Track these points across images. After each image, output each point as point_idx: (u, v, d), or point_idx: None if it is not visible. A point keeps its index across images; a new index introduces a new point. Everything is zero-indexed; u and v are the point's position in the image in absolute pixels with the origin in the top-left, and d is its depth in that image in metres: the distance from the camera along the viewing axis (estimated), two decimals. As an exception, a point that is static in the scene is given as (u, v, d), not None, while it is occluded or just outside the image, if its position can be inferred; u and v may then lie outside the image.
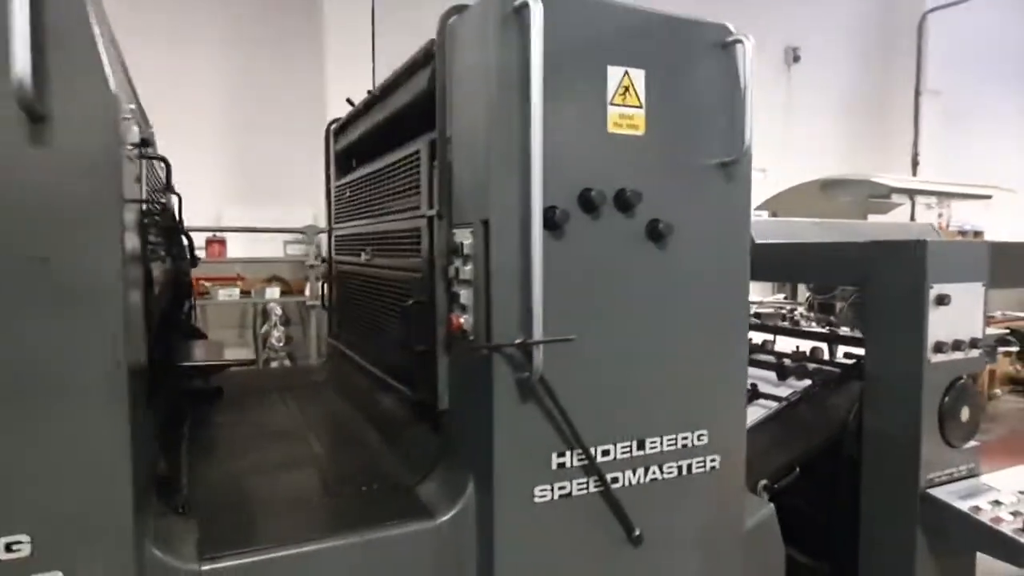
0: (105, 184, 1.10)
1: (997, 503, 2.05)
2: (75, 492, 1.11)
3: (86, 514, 1.12)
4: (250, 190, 6.67)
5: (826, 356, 2.87)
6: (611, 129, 1.55)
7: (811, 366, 2.70)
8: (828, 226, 4.09)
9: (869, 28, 10.38)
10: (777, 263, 2.67)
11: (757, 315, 3.73)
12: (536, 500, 1.51)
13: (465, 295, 1.56)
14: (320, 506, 1.66)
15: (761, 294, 4.84)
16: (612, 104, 1.55)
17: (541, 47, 1.38)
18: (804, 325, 3.41)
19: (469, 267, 1.53)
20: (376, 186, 2.37)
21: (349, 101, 2.91)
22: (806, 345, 2.97)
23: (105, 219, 1.11)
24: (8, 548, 1.07)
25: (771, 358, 2.88)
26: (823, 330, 2.97)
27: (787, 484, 2.19)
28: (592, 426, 1.55)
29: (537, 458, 1.51)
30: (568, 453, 1.54)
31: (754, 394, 2.66)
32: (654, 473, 1.64)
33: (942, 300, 2.07)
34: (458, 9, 1.59)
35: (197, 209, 3.20)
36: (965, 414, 2.16)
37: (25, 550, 1.08)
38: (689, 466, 1.69)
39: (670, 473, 1.67)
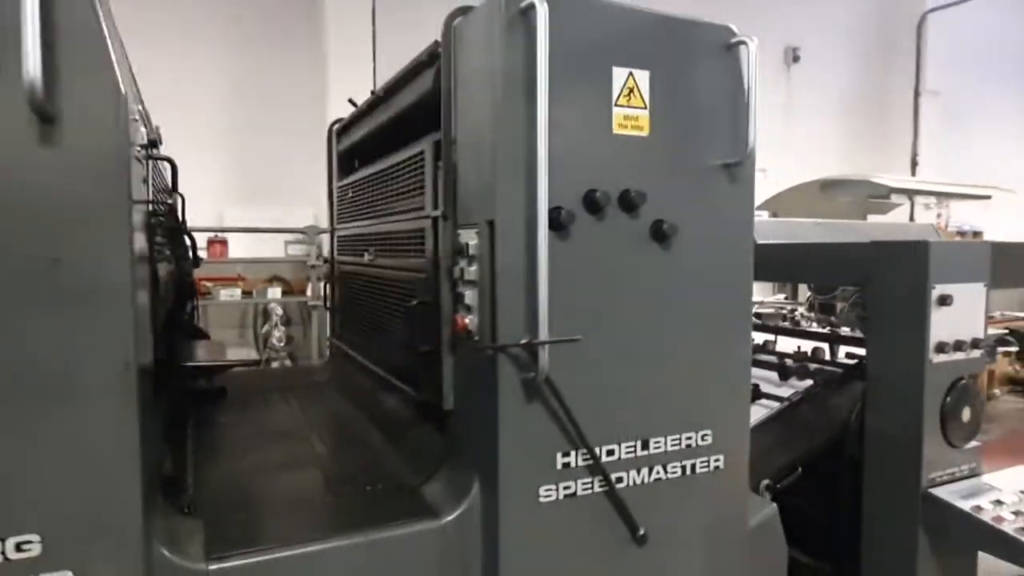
0: (115, 185, 1.11)
1: (999, 503, 2.06)
2: (85, 492, 1.12)
3: (96, 514, 1.13)
4: (251, 190, 6.68)
5: (827, 356, 2.89)
6: (616, 130, 1.56)
7: (812, 366, 2.71)
8: (829, 226, 4.10)
9: (868, 28, 10.40)
10: (778, 263, 2.68)
11: (758, 315, 3.74)
12: (541, 500, 1.52)
13: (470, 295, 1.57)
14: (325, 506, 1.66)
15: (762, 294, 4.85)
16: (617, 105, 1.55)
17: (547, 48, 1.39)
18: (804, 325, 3.42)
19: (474, 268, 1.54)
20: (379, 186, 2.37)
21: (351, 102, 2.92)
22: (807, 345, 2.98)
23: (115, 220, 1.11)
24: (18, 548, 1.08)
25: (772, 358, 2.89)
26: (824, 330, 2.98)
27: (789, 484, 2.20)
28: (596, 426, 1.55)
29: (542, 458, 1.52)
30: (573, 453, 1.54)
31: (756, 394, 2.67)
32: (658, 473, 1.65)
33: (944, 300, 2.07)
34: (463, 10, 1.60)
35: (198, 209, 3.20)
36: (966, 414, 2.17)
37: (35, 550, 1.08)
38: (693, 466, 1.70)
39: (674, 473, 1.67)
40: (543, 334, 1.43)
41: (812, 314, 3.37)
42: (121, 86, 1.09)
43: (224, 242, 6.06)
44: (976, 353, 2.19)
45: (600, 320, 1.56)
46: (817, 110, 9.82)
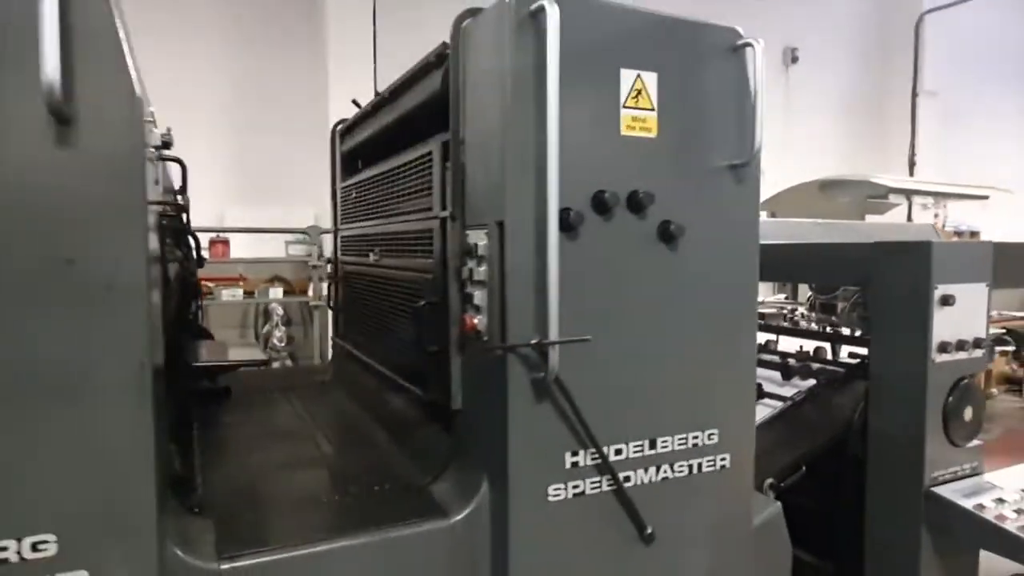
0: (131, 186, 1.11)
1: (1001, 501, 2.07)
2: (100, 492, 1.12)
3: (111, 514, 1.13)
4: (251, 190, 6.67)
5: (828, 356, 2.90)
6: (624, 131, 1.57)
7: (815, 366, 2.72)
8: (829, 227, 4.12)
9: (867, 29, 10.43)
10: (780, 263, 2.69)
11: (760, 315, 3.75)
12: (550, 499, 1.53)
13: (479, 296, 1.57)
14: (333, 505, 1.67)
15: (762, 294, 4.87)
16: (625, 107, 1.56)
17: (557, 50, 1.39)
18: (804, 325, 3.43)
19: (483, 268, 1.54)
20: (385, 187, 2.38)
21: (355, 103, 2.92)
22: (809, 345, 3.00)
23: (130, 221, 1.12)
24: (34, 547, 1.08)
25: (775, 358, 2.90)
26: (827, 330, 3.00)
27: (793, 483, 2.21)
28: (605, 426, 1.56)
29: (551, 457, 1.53)
30: (581, 452, 1.55)
31: (759, 394, 2.68)
32: (665, 472, 1.66)
33: (946, 300, 2.09)
34: (472, 12, 1.61)
35: (200, 209, 3.20)
36: (968, 413, 2.18)
37: (51, 550, 1.09)
38: (699, 465, 1.71)
39: (681, 472, 1.68)
40: (553, 334, 1.43)
41: (812, 314, 3.39)
42: (137, 88, 1.10)
43: (226, 242, 6.06)
44: (978, 353, 2.21)
45: (608, 320, 1.57)
46: (815, 110, 9.85)
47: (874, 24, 10.43)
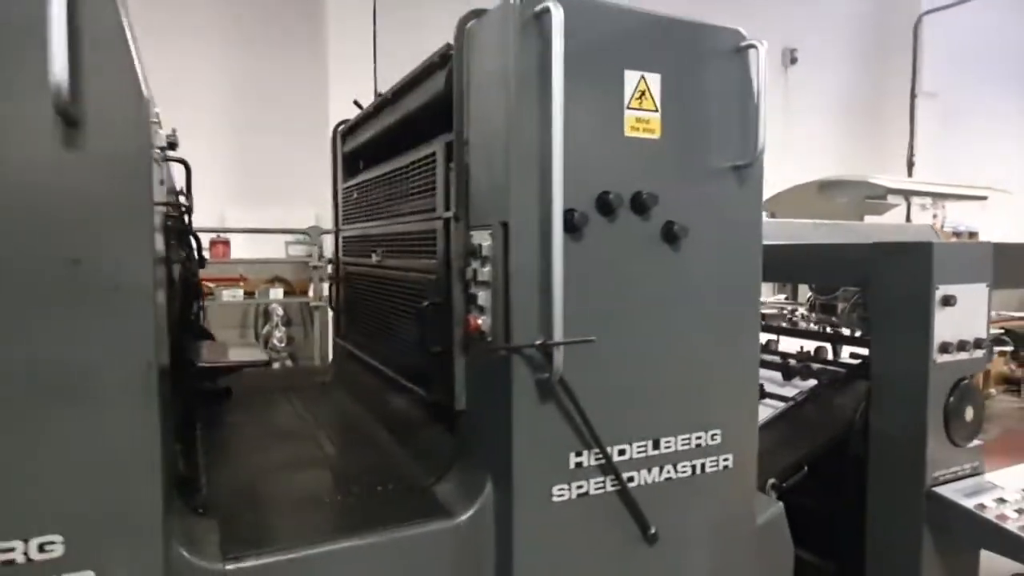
0: (137, 187, 1.11)
1: (1002, 500, 2.08)
2: (107, 492, 1.12)
3: (117, 514, 1.13)
4: (251, 190, 6.67)
5: (829, 356, 2.91)
6: (628, 132, 1.57)
7: (815, 366, 2.73)
8: (829, 227, 4.14)
9: (865, 30, 10.46)
10: (781, 264, 2.70)
11: (761, 315, 3.75)
12: (554, 499, 1.53)
13: (483, 296, 1.57)
14: (337, 506, 1.67)
15: (763, 295, 4.88)
16: (629, 108, 1.57)
17: (562, 51, 1.40)
18: (803, 326, 3.44)
19: (487, 269, 1.55)
20: (388, 188, 2.38)
21: (357, 104, 2.92)
22: (809, 345, 3.00)
23: (137, 221, 1.12)
24: (41, 548, 1.08)
25: (775, 358, 2.91)
26: (828, 331, 3.00)
27: (794, 483, 2.22)
28: (608, 426, 1.57)
29: (555, 458, 1.53)
30: (585, 453, 1.56)
31: (760, 394, 2.69)
32: (669, 472, 1.67)
33: (947, 301, 2.10)
34: (476, 13, 1.61)
35: (200, 209, 3.20)
36: (969, 413, 2.19)
37: (58, 550, 1.09)
38: (703, 465, 1.72)
39: (684, 472, 1.69)
40: (558, 335, 1.44)
41: (812, 314, 3.39)
42: (144, 89, 1.10)
43: (227, 243, 6.06)
44: (979, 353, 2.22)
45: (612, 321, 1.57)
46: (814, 111, 9.87)
47: (873, 25, 10.45)
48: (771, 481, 2.13)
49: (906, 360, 2.16)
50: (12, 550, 1.06)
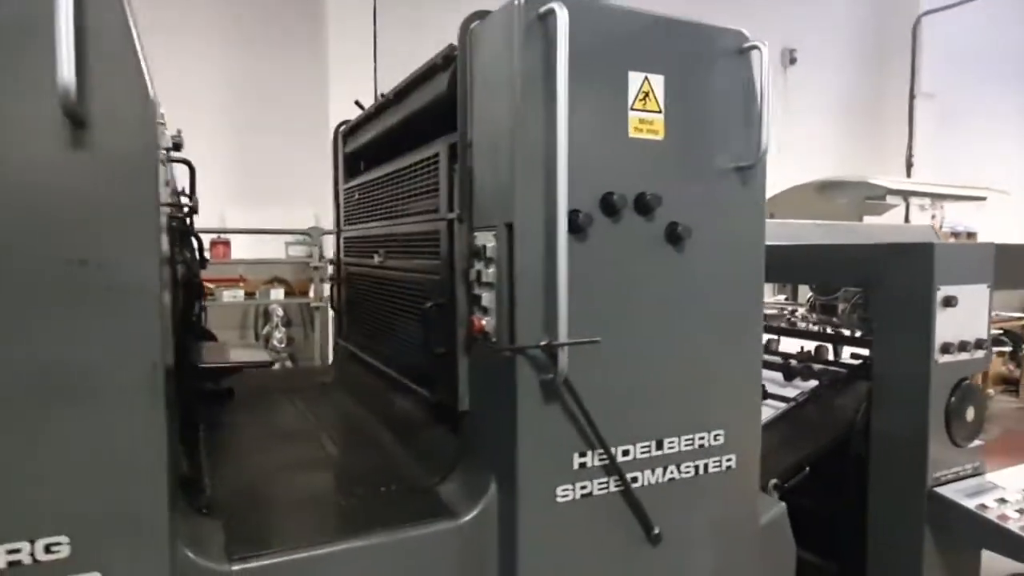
0: (144, 188, 1.11)
1: (1003, 501, 2.09)
2: (113, 493, 1.12)
3: (123, 515, 1.13)
4: (251, 190, 6.66)
5: (830, 357, 2.91)
6: (632, 133, 1.57)
7: (816, 367, 2.73)
8: (830, 228, 4.14)
9: (864, 31, 10.48)
10: (783, 264, 2.70)
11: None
12: (558, 500, 1.53)
13: (487, 297, 1.58)
14: (341, 506, 1.67)
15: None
16: (633, 109, 1.57)
17: (567, 52, 1.40)
18: (802, 326, 3.45)
19: (491, 270, 1.55)
20: (390, 188, 2.38)
21: (358, 104, 2.92)
22: (810, 346, 3.01)
23: (144, 222, 1.12)
24: (47, 549, 1.08)
25: (776, 359, 2.91)
26: (829, 331, 3.01)
27: (796, 483, 2.22)
28: (612, 426, 1.57)
29: (559, 458, 1.53)
30: (589, 453, 1.56)
31: (762, 394, 2.69)
32: (672, 473, 1.67)
33: (949, 302, 2.10)
34: (480, 15, 1.61)
35: (201, 209, 3.20)
36: (970, 414, 2.20)
37: (64, 551, 1.09)
38: (706, 466, 1.72)
39: (687, 473, 1.69)
40: (562, 336, 1.44)
41: (812, 315, 3.40)
42: (150, 90, 1.10)
43: (227, 243, 6.05)
44: (980, 353, 2.22)
45: (616, 321, 1.57)
46: (813, 112, 9.89)
47: (871, 26, 10.47)
48: (773, 481, 2.13)
49: (908, 360, 2.16)
50: (18, 551, 1.06)
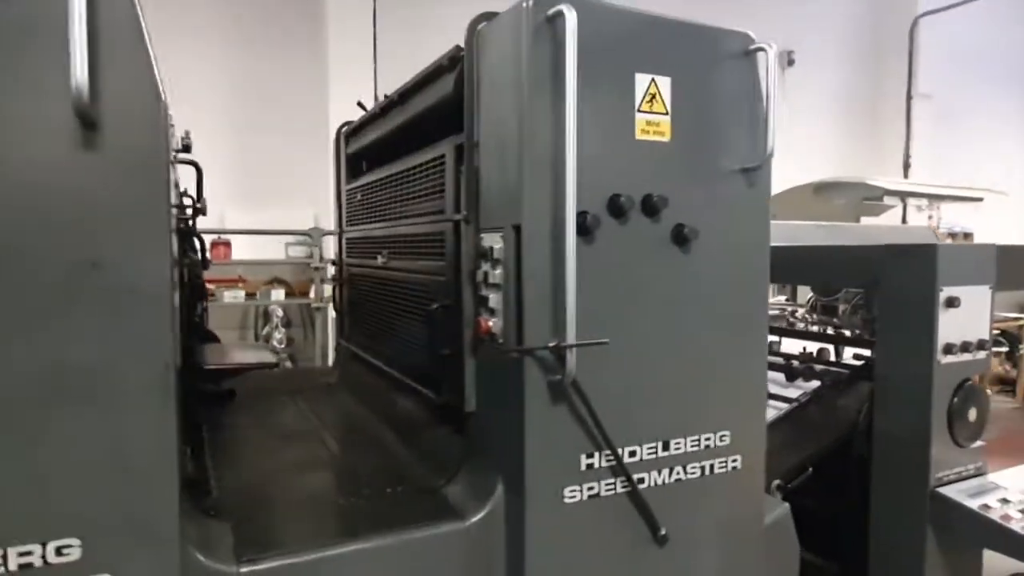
0: (155, 189, 1.11)
1: (1005, 501, 2.10)
2: (124, 495, 1.12)
3: (134, 517, 1.13)
4: (251, 191, 6.64)
5: (832, 357, 2.92)
6: (638, 135, 1.58)
7: (818, 367, 2.74)
8: (830, 229, 4.16)
9: (862, 32, 10.51)
10: (785, 265, 2.71)
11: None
12: (566, 501, 1.53)
13: (494, 299, 1.58)
14: (348, 508, 1.67)
15: (763, 296, 4.87)
16: (640, 111, 1.57)
17: (575, 54, 1.40)
18: (801, 327, 3.46)
19: (499, 271, 1.55)
20: (394, 189, 2.38)
21: (360, 105, 2.92)
22: (812, 347, 3.02)
23: (154, 223, 1.12)
24: (59, 552, 1.08)
25: (778, 360, 2.92)
26: (831, 332, 3.02)
27: (799, 484, 2.23)
28: (619, 427, 1.57)
29: (567, 459, 1.53)
30: (596, 454, 1.56)
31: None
32: (678, 473, 1.67)
33: (951, 303, 2.11)
34: (487, 16, 1.61)
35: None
36: (973, 414, 2.21)
37: (75, 554, 1.09)
38: (712, 466, 1.72)
39: (693, 473, 1.70)
40: (571, 337, 1.44)
41: (813, 316, 3.41)
42: (161, 91, 1.10)
43: (228, 244, 6.03)
44: (982, 354, 2.23)
45: (622, 322, 1.57)
46: (811, 113, 9.91)
47: (869, 27, 10.51)
48: (776, 482, 2.14)
49: (910, 361, 2.17)
50: (30, 553, 1.06)
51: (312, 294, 6.23)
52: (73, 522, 1.09)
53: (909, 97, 10.16)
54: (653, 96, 1.59)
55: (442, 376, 1.86)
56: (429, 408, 2.04)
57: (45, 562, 1.07)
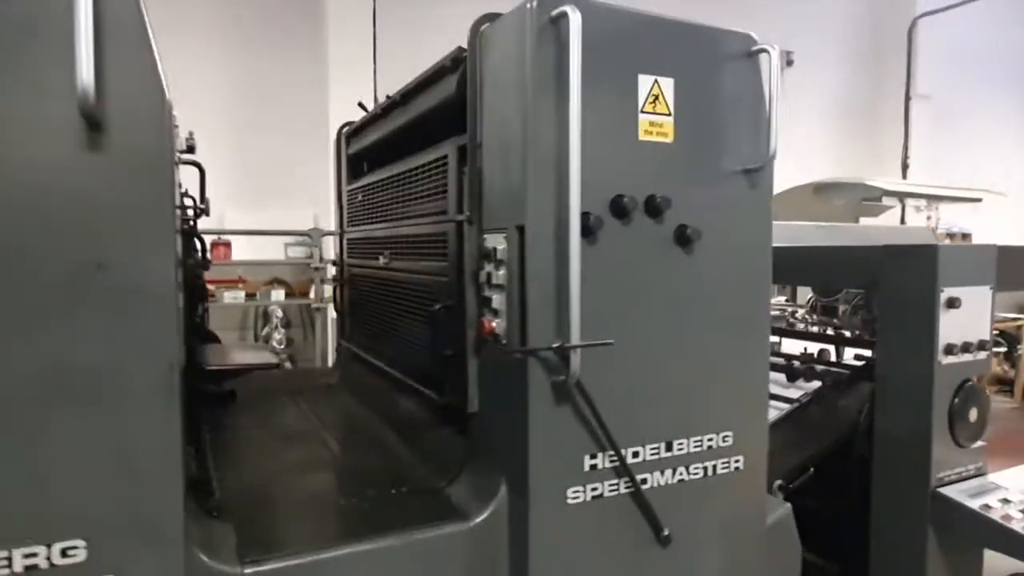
0: (160, 190, 1.11)
1: (1006, 501, 2.10)
2: (129, 496, 1.12)
3: (139, 518, 1.13)
4: (251, 191, 6.63)
5: (832, 358, 2.92)
6: (642, 136, 1.58)
7: (819, 368, 2.75)
8: (830, 229, 4.16)
9: (861, 32, 10.53)
10: (787, 266, 2.71)
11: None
12: (569, 501, 1.53)
13: (497, 300, 1.58)
14: (351, 508, 1.67)
15: (763, 297, 4.87)
16: (643, 112, 1.57)
17: (580, 55, 1.40)
18: (801, 327, 3.46)
19: (502, 272, 1.55)
20: (396, 190, 2.38)
21: (362, 106, 2.92)
22: (812, 347, 3.02)
23: (159, 224, 1.12)
24: (64, 553, 1.08)
25: (779, 360, 2.93)
26: (831, 332, 3.02)
27: (800, 484, 2.23)
28: (622, 428, 1.57)
29: (570, 460, 1.54)
30: (600, 455, 1.56)
31: (766, 395, 2.70)
32: (681, 474, 1.68)
33: (952, 303, 2.12)
34: (490, 17, 1.61)
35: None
36: (973, 414, 2.22)
37: (80, 555, 1.09)
38: (714, 467, 1.73)
39: (696, 474, 1.70)
40: (575, 338, 1.44)
41: (812, 316, 3.41)
42: (166, 92, 1.10)
43: (228, 244, 6.03)
44: (982, 355, 2.24)
45: (626, 324, 1.58)
46: (810, 113, 9.92)
47: (868, 28, 10.53)
48: (778, 482, 2.14)
49: (911, 362, 2.18)
50: (35, 555, 1.06)
51: (312, 295, 6.22)
52: (79, 523, 1.09)
53: (907, 98, 10.18)
54: (656, 97, 1.59)
55: (444, 377, 1.86)
56: (431, 409, 2.04)
57: (51, 564, 1.07)
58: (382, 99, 2.52)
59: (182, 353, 1.38)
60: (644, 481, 1.62)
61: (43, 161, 1.03)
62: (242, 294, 5.99)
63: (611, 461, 1.57)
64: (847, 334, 3.03)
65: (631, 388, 1.60)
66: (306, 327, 6.57)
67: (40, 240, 1.04)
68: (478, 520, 1.54)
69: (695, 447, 1.69)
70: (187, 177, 2.58)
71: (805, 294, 3.82)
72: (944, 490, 2.13)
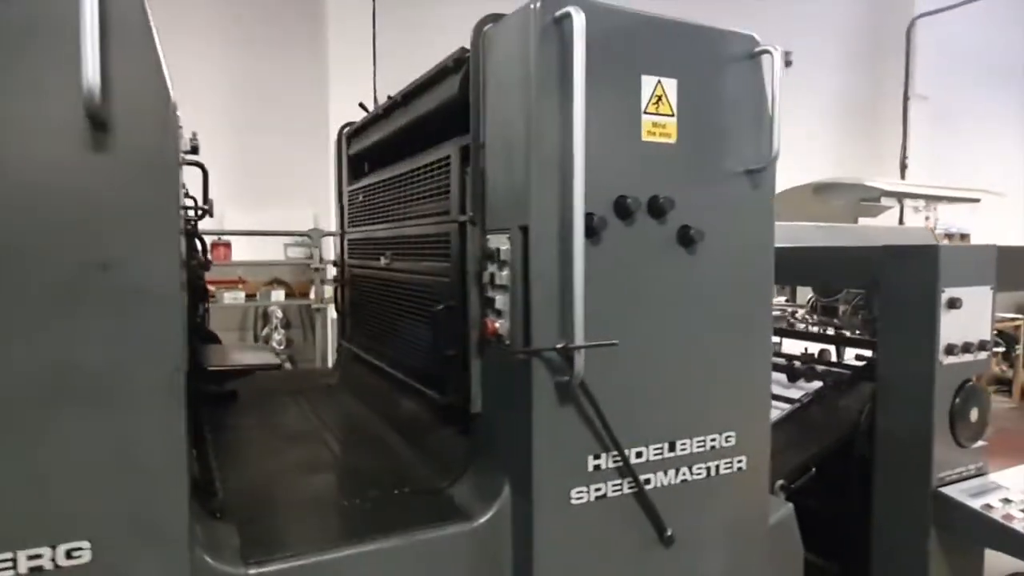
0: (165, 191, 1.11)
1: (1007, 500, 2.11)
2: (134, 497, 1.12)
3: (144, 519, 1.13)
4: (251, 191, 6.62)
5: (833, 358, 2.93)
6: (645, 137, 1.58)
7: (820, 368, 2.75)
8: (829, 230, 4.17)
9: (860, 33, 10.54)
10: (788, 266, 2.71)
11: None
12: (573, 502, 1.53)
13: (500, 300, 1.58)
14: (354, 509, 1.67)
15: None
16: (646, 112, 1.58)
17: (584, 56, 1.41)
18: (801, 327, 3.47)
19: (505, 272, 1.55)
20: (398, 190, 2.38)
21: (362, 106, 2.92)
22: (813, 347, 3.02)
23: (164, 225, 1.11)
24: (69, 555, 1.07)
25: (780, 360, 2.93)
26: (831, 333, 3.03)
27: (802, 484, 2.23)
28: (626, 428, 1.57)
29: (574, 460, 1.54)
30: (603, 455, 1.56)
31: (767, 396, 2.70)
32: (684, 474, 1.68)
33: (953, 303, 2.12)
34: (493, 17, 1.61)
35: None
36: (974, 414, 2.22)
37: (85, 556, 1.08)
38: (717, 467, 1.73)
39: (699, 474, 1.70)
40: (579, 338, 1.44)
41: (813, 316, 3.42)
42: (171, 93, 1.10)
43: (228, 244, 6.02)
44: (983, 355, 2.25)
45: (629, 324, 1.58)
46: (808, 113, 9.93)
47: (867, 28, 10.54)
48: (780, 482, 2.15)
49: (912, 362, 2.18)
50: (40, 556, 1.06)
51: (312, 295, 6.22)
52: (83, 525, 1.09)
53: (906, 98, 10.19)
54: (659, 98, 1.59)
55: (446, 377, 1.86)
56: (433, 409, 2.04)
57: (55, 565, 1.07)
58: (382, 99, 2.52)
59: (186, 354, 1.38)
60: (647, 481, 1.62)
61: (47, 161, 1.03)
62: (242, 295, 5.98)
63: (615, 461, 1.57)
64: (848, 334, 3.04)
65: (634, 388, 1.60)
66: (306, 328, 6.56)
67: (44, 240, 1.04)
68: (481, 521, 1.54)
69: (698, 447, 1.69)
70: (190, 178, 2.58)
71: (805, 294, 3.83)
72: (945, 490, 2.14)
